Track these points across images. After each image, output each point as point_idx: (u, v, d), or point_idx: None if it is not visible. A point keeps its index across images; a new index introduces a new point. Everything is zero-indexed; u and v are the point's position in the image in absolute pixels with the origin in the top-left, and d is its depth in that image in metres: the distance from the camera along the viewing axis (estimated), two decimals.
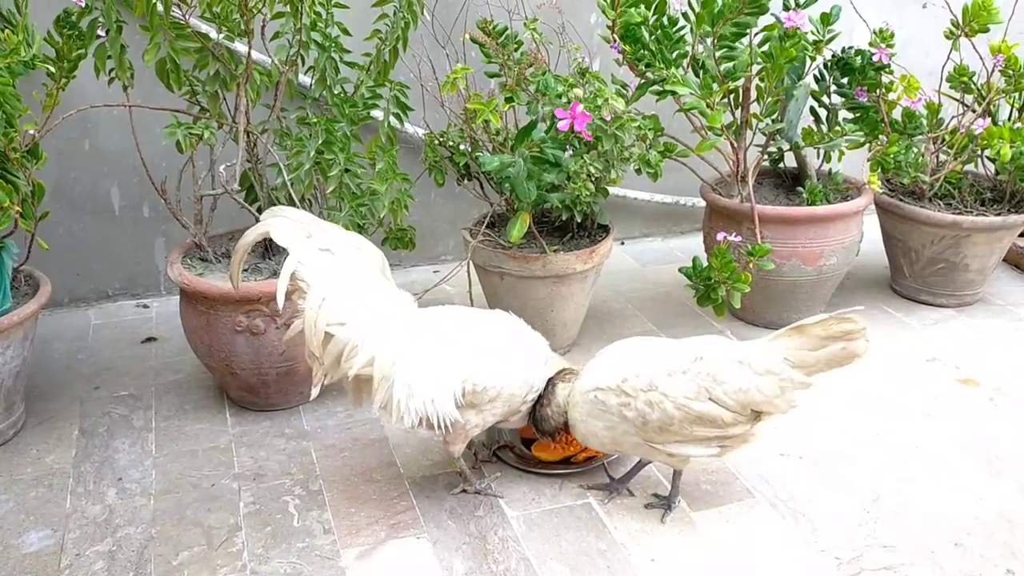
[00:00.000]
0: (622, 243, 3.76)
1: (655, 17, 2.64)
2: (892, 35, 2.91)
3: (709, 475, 2.25)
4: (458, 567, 1.95)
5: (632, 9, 2.59)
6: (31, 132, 2.38)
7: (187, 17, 2.36)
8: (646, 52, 2.61)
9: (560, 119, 2.40)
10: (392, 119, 2.61)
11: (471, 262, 2.75)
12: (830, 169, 3.09)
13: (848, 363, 1.90)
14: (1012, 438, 2.40)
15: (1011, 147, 2.79)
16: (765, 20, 2.69)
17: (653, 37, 2.61)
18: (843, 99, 3.04)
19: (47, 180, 2.66)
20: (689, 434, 1.95)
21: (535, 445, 2.31)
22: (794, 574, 1.94)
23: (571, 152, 2.52)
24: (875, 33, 2.92)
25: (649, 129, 2.58)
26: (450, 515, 2.12)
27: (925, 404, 2.57)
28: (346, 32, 2.56)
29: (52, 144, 2.75)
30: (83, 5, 2.31)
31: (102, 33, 2.34)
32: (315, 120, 2.42)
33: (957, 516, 2.11)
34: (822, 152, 3.06)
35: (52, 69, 2.39)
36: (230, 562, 1.98)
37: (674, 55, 2.62)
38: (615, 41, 2.66)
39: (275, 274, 2.47)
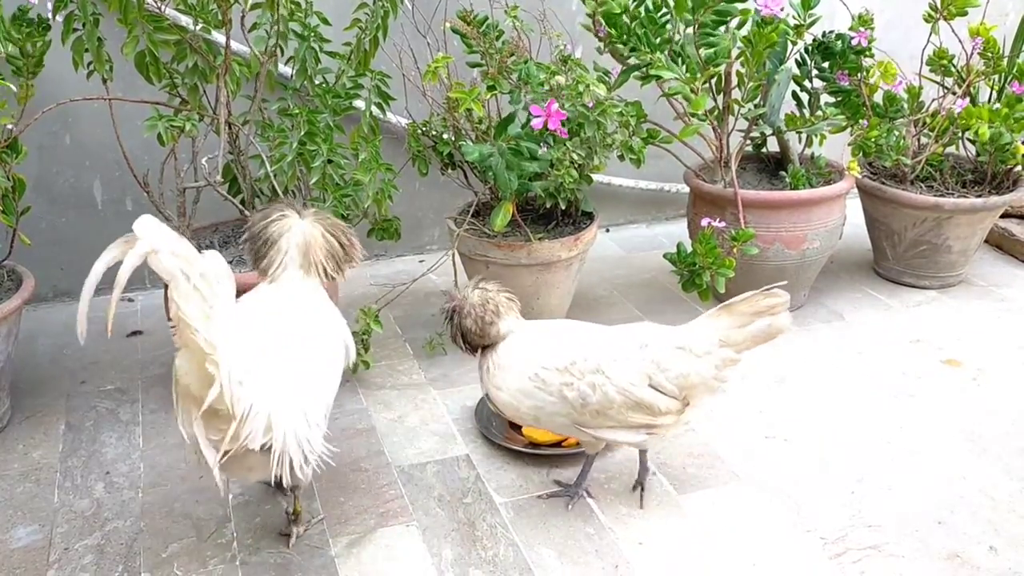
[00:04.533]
0: (607, 230, 3.77)
1: (636, 3, 2.64)
2: (872, 19, 2.92)
3: (695, 459, 2.27)
4: (447, 554, 1.96)
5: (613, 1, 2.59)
6: (9, 127, 2.37)
7: (163, 9, 2.34)
8: (631, 37, 2.61)
9: (535, 116, 2.40)
10: (374, 109, 2.60)
11: (456, 251, 2.75)
12: (812, 153, 3.10)
13: (774, 337, 1.96)
14: (995, 417, 2.42)
15: (989, 127, 2.81)
16: (746, 4, 2.70)
17: (637, 21, 2.61)
18: (825, 83, 3.05)
19: (28, 175, 2.65)
20: (624, 420, 1.98)
21: (525, 427, 2.32)
22: (780, 555, 1.95)
23: (546, 148, 2.52)
24: (854, 20, 2.92)
25: (632, 115, 2.59)
26: (438, 503, 2.13)
27: (909, 385, 2.59)
28: (325, 21, 2.54)
29: (33, 138, 2.74)
30: (34, 1, 2.31)
31: (79, 27, 2.33)
32: (297, 111, 2.42)
33: (941, 495, 2.13)
34: (804, 136, 3.07)
35: (19, 64, 2.38)
36: (220, 553, 1.98)
37: (658, 40, 2.62)
38: (600, 26, 2.65)
39: None
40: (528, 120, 2.46)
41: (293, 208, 2.02)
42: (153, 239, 1.62)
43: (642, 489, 2.13)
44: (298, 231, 1.97)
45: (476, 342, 2.05)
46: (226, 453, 1.69)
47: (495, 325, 2.02)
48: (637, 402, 1.94)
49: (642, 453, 2.14)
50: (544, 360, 1.97)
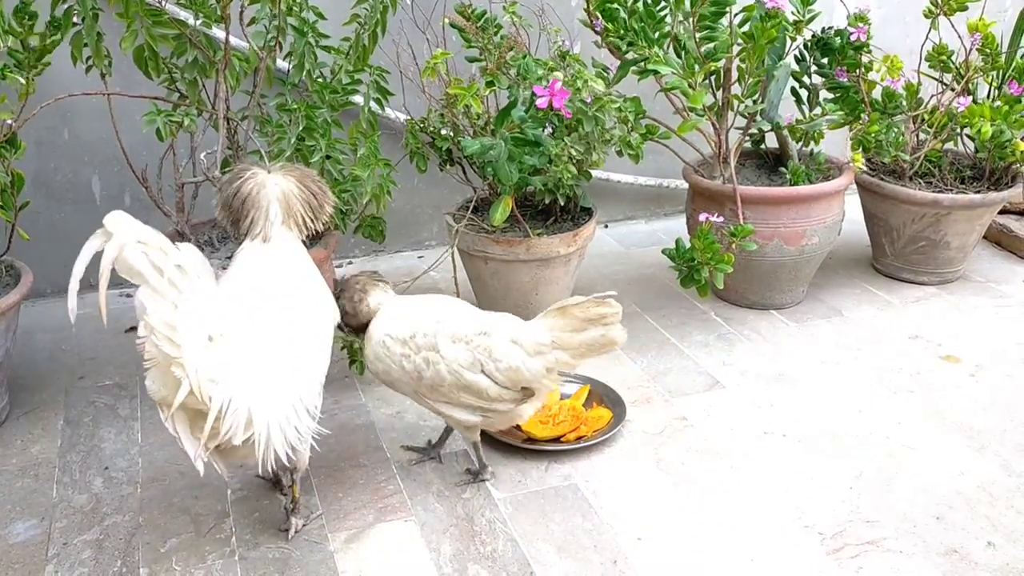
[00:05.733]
0: (606, 226, 3.77)
1: None
2: (868, 17, 2.92)
3: (693, 454, 2.27)
4: (446, 549, 1.96)
5: None
6: (8, 122, 2.37)
7: (163, 3, 2.34)
8: (628, 31, 2.60)
9: (539, 96, 2.40)
10: (373, 104, 2.59)
11: (455, 247, 2.74)
12: (811, 149, 3.10)
13: (609, 349, 1.98)
14: (993, 413, 2.43)
15: (991, 125, 2.81)
16: (745, 1, 2.70)
17: (635, 16, 2.60)
18: (823, 79, 3.05)
19: (27, 170, 2.65)
20: (456, 399, 2.03)
21: (524, 423, 2.32)
22: (779, 550, 1.96)
23: (551, 130, 2.51)
24: (850, 17, 2.92)
25: (630, 111, 2.59)
26: (437, 498, 2.13)
27: (907, 381, 2.59)
28: (321, 16, 2.54)
29: (31, 134, 2.74)
30: None
31: (78, 21, 2.32)
32: (295, 106, 2.41)
33: (939, 490, 2.13)
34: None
35: (20, 58, 2.37)
36: (218, 548, 1.98)
37: (656, 35, 2.62)
38: (597, 20, 2.65)
39: None
40: (531, 104, 2.45)
41: (258, 165, 1.99)
42: (122, 233, 1.61)
43: (474, 480, 2.18)
44: (273, 185, 1.93)
45: (354, 322, 2.13)
46: (211, 447, 1.70)
47: (364, 302, 2.11)
48: (466, 385, 2.00)
49: (473, 446, 2.18)
50: (390, 330, 2.05)
